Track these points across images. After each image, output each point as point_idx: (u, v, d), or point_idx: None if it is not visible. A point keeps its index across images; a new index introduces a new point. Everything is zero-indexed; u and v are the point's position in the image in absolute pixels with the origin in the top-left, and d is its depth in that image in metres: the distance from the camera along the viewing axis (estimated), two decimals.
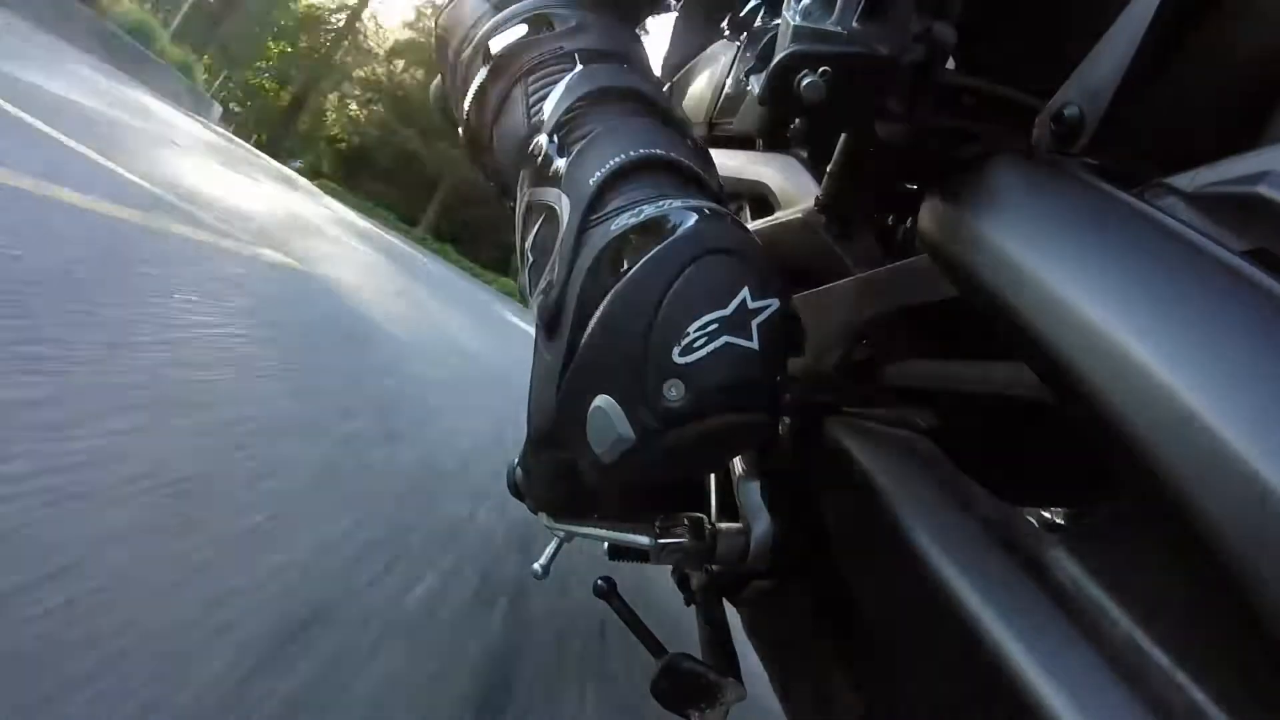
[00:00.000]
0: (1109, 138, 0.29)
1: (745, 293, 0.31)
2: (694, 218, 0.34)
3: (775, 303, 0.32)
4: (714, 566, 0.46)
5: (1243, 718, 0.19)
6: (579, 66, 0.46)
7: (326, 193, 9.90)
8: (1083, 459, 0.32)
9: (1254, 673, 0.20)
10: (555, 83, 0.45)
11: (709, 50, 0.89)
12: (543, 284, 0.39)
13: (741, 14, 0.71)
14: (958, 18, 0.32)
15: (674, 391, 0.30)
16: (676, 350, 0.30)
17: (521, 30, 0.49)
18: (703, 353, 0.30)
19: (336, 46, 20.35)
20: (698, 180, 0.39)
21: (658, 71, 0.91)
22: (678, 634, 0.88)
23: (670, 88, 0.95)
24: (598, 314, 0.33)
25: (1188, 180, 0.26)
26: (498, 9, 0.51)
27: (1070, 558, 0.26)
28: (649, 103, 0.45)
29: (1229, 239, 0.23)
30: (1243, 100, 0.28)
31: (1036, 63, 0.34)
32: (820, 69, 0.30)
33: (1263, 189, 0.23)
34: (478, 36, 0.51)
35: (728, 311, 0.31)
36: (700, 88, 0.85)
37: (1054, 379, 0.25)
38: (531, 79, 0.47)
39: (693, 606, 0.57)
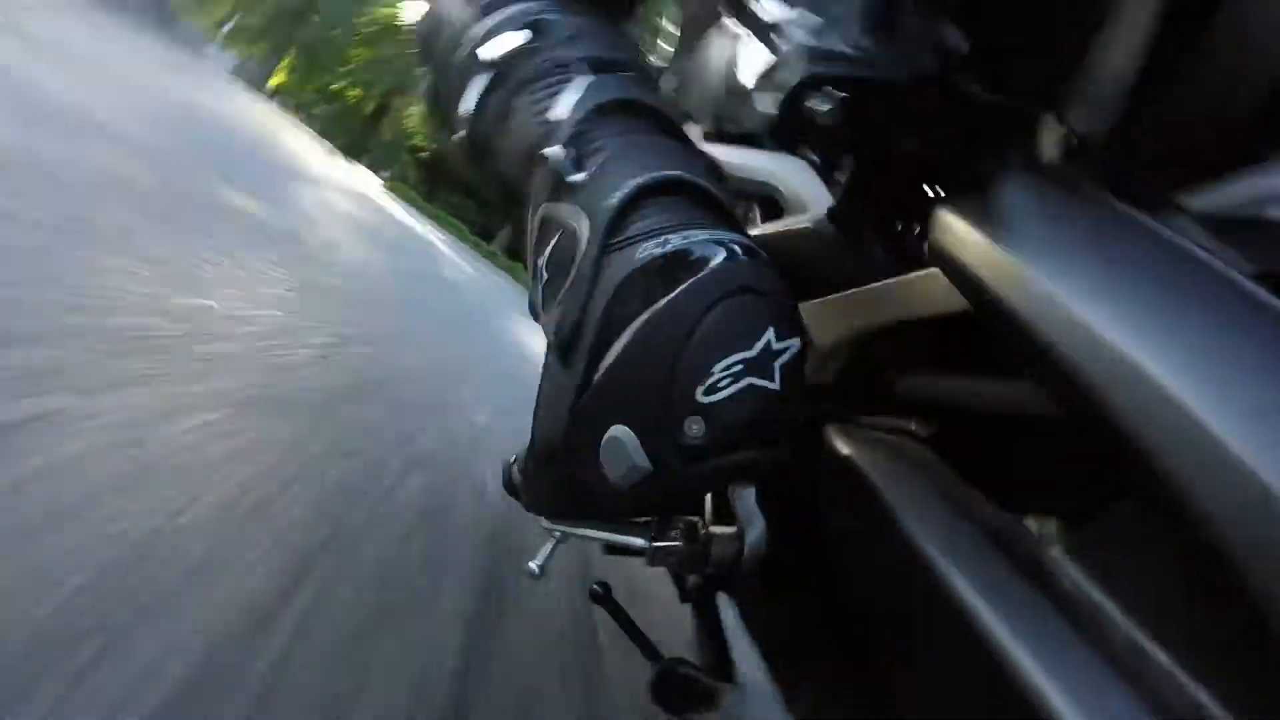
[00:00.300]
0: (1120, 148, 0.29)
1: (770, 334, 0.31)
2: (722, 254, 0.33)
3: (796, 343, 0.32)
4: (709, 570, 0.46)
5: (1244, 718, 0.20)
6: (582, 77, 0.45)
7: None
8: (1083, 467, 0.32)
9: (1255, 674, 0.20)
10: (559, 93, 0.44)
11: (708, 39, 0.87)
12: (558, 304, 0.38)
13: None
14: (969, 30, 0.32)
15: (695, 428, 0.30)
16: (701, 389, 0.30)
17: (518, 37, 0.48)
18: (726, 393, 0.30)
19: None
20: (716, 204, 0.39)
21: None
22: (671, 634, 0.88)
23: (671, 82, 0.93)
24: (621, 344, 0.33)
25: (1198, 199, 0.26)
26: (485, 12, 0.50)
27: (1071, 562, 0.27)
28: (656, 115, 0.44)
29: (1237, 259, 0.24)
30: (1253, 108, 0.28)
31: (1048, 74, 0.34)
32: (834, 92, 0.30)
33: (1272, 211, 0.24)
34: (471, 42, 0.50)
35: (753, 354, 0.31)
36: (702, 81, 0.83)
37: (1063, 393, 0.26)
38: (534, 88, 0.46)
39: (688, 605, 0.57)
